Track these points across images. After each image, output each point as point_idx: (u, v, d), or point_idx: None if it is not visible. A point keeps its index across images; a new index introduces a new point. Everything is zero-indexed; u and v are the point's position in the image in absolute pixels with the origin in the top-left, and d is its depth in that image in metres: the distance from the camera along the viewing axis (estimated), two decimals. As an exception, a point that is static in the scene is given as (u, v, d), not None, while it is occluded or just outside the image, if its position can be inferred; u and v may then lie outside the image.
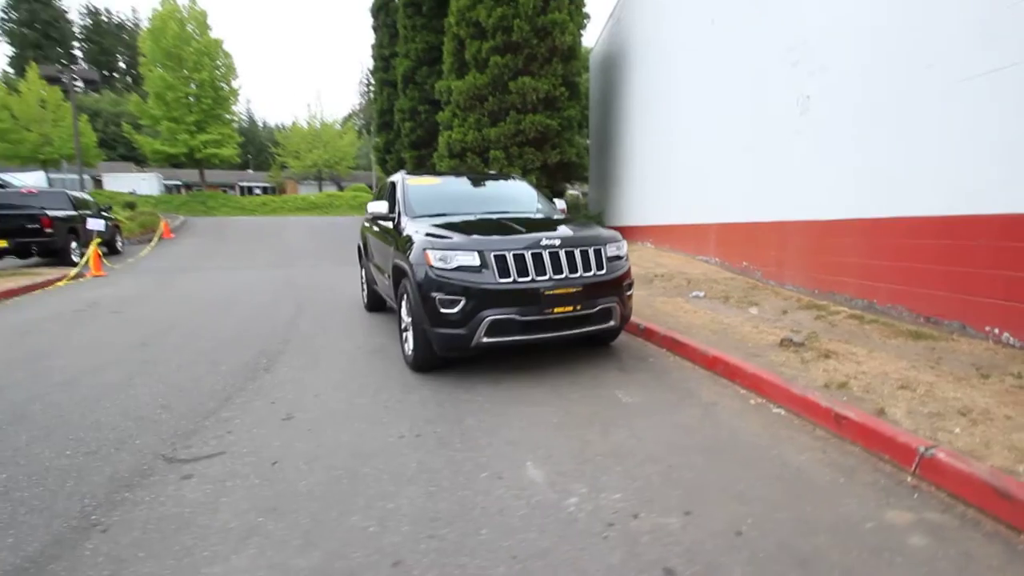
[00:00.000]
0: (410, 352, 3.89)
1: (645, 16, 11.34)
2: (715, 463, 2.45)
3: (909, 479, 2.27)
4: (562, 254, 3.64)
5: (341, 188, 48.95)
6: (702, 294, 6.03)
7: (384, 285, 5.00)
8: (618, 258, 3.94)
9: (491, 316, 3.46)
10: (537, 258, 3.56)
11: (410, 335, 3.95)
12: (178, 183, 44.92)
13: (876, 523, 1.98)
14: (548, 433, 2.80)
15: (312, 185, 49.06)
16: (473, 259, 3.48)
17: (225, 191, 38.95)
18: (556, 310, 3.56)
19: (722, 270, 7.45)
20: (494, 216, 4.74)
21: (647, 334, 4.62)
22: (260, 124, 66.11)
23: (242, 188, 48.60)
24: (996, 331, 3.62)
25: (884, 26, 4.61)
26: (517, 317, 3.49)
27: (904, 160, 4.45)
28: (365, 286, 6.44)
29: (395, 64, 18.56)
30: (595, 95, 15.20)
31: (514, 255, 3.52)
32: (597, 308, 3.70)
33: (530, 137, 12.60)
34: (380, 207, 4.69)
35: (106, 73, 55.38)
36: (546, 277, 3.56)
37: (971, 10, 3.79)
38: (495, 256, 3.50)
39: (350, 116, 50.42)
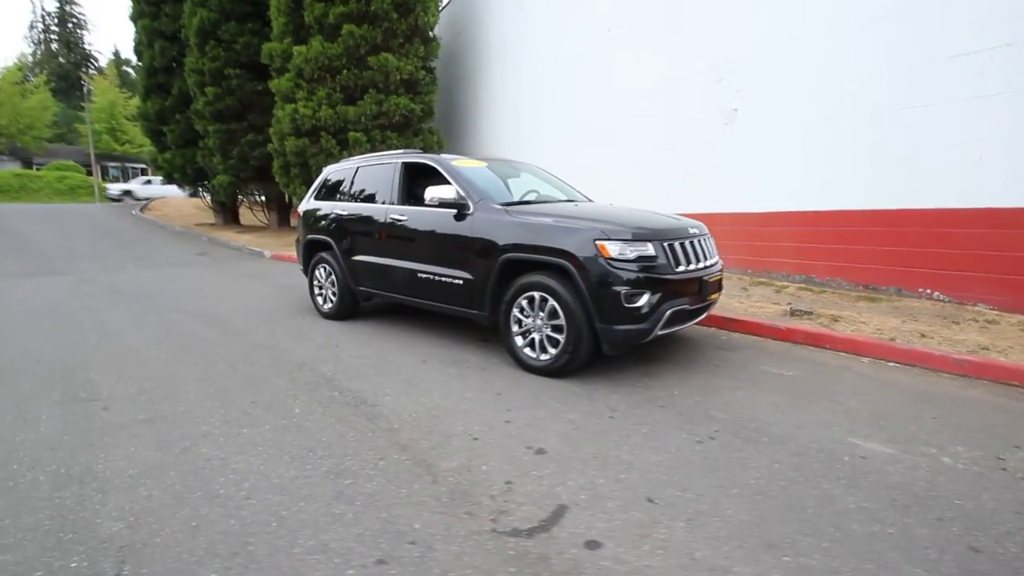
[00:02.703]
0: (554, 354, 3.44)
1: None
2: (938, 408, 2.95)
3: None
4: (704, 241, 3.74)
5: (32, 166, 36.71)
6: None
7: (419, 285, 4.22)
8: None
9: (673, 307, 3.35)
10: (693, 245, 3.58)
11: (535, 338, 3.52)
12: None
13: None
14: (801, 411, 2.92)
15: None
16: (649, 249, 3.30)
17: None
18: (711, 296, 3.66)
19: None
20: (565, 200, 4.49)
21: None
22: None
23: None
24: (929, 291, 5.12)
25: (831, 63, 5.91)
26: (688, 307, 3.46)
27: (832, 170, 5.82)
28: (328, 288, 5.25)
29: (175, 12, 14.74)
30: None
31: (680, 243, 3.47)
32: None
33: (393, 120, 11.70)
34: (446, 192, 3.93)
35: None
36: (703, 264, 3.62)
37: (904, 59, 5.18)
38: (667, 245, 3.39)
39: (20, 69, 37.04)
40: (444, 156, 4.45)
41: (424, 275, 4.22)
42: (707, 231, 3.94)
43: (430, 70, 12.51)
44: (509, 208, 3.79)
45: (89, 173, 34.00)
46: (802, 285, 6.08)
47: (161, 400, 3.13)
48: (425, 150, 12.53)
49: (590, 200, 4.81)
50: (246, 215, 17.76)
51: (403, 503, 2.07)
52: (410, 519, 1.97)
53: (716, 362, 3.85)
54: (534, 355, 3.57)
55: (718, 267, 3.78)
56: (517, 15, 11.28)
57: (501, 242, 3.64)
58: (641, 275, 3.24)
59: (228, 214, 17.43)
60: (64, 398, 3.17)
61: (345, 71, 11.41)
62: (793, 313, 5.01)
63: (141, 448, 2.51)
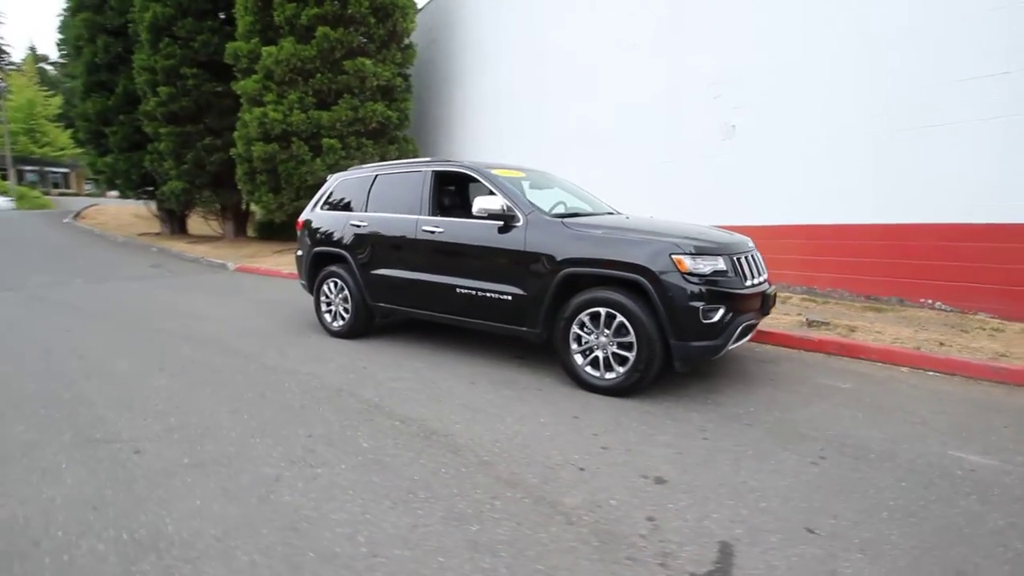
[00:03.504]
0: (622, 372, 3.29)
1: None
2: (1005, 416, 3.04)
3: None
4: (757, 255, 3.72)
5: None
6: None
7: (458, 301, 3.97)
8: None
9: (743, 322, 3.30)
10: (751, 260, 3.55)
11: (599, 356, 3.37)
12: None
13: None
14: (854, 426, 2.92)
15: None
16: (720, 263, 3.23)
17: None
18: (771, 310, 3.64)
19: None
20: (606, 213, 4.39)
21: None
22: None
23: None
24: (930, 301, 5.38)
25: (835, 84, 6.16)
26: (753, 320, 3.42)
27: (833, 186, 6.06)
28: (339, 304, 4.88)
29: (121, 6, 13.65)
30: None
31: (743, 258, 3.43)
32: (766, 306, 3.91)
33: (370, 127, 11.30)
34: (491, 203, 3.71)
35: None
36: (762, 279, 3.59)
37: (908, 83, 5.47)
38: (735, 259, 3.33)
39: None
40: (480, 164, 4.24)
41: (465, 291, 3.97)
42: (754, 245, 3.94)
43: (406, 77, 12.20)
44: (565, 221, 3.63)
45: (4, 177, 30.84)
46: (805, 296, 6.26)
47: (199, 438, 2.73)
48: (399, 158, 12.19)
49: (621, 213, 4.73)
50: (195, 224, 16.61)
51: (551, 551, 1.85)
52: (571, 570, 1.75)
53: (768, 375, 3.84)
54: (597, 374, 3.41)
55: (767, 281, 3.79)
56: (497, 24, 11.19)
57: (561, 256, 3.47)
58: (716, 290, 3.16)
59: (175, 223, 16.25)
60: (77, 440, 2.70)
61: (319, 74, 10.92)
62: (810, 324, 5.12)
63: (208, 500, 2.14)
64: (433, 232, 4.16)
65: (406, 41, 12.12)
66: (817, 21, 6.10)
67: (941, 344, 4.35)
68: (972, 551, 1.86)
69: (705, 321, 3.13)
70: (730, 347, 3.29)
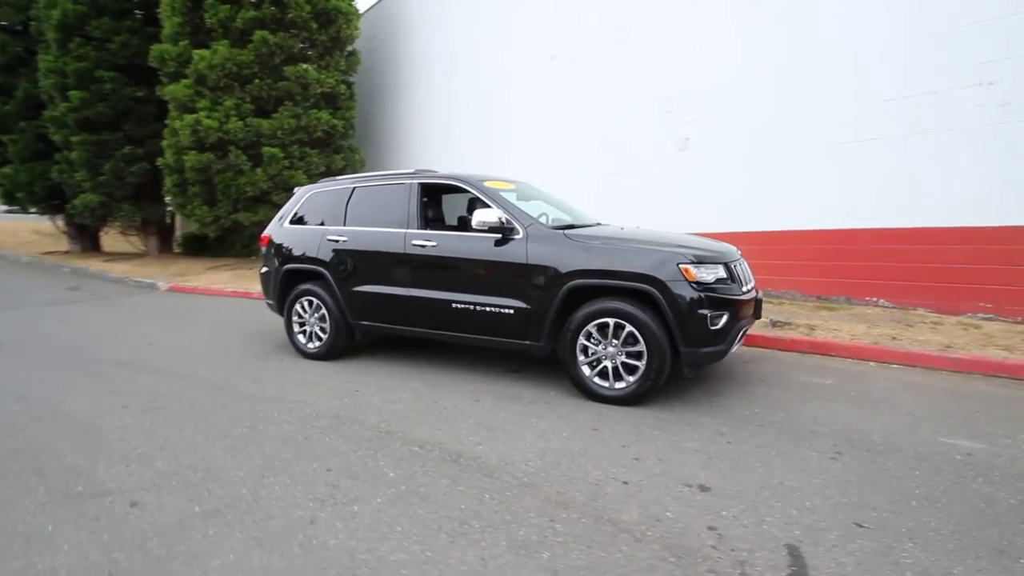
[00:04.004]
0: (632, 382, 3.32)
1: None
2: (973, 403, 3.36)
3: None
4: (745, 263, 3.90)
5: None
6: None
7: (453, 317, 3.86)
8: None
9: (742, 327, 3.44)
10: (742, 267, 3.71)
11: (607, 366, 3.40)
12: None
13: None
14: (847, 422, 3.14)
15: None
16: (721, 271, 3.36)
17: None
18: (760, 315, 3.81)
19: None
20: (596, 224, 4.43)
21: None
22: None
23: None
24: (875, 299, 5.88)
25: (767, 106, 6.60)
26: (746, 326, 3.58)
27: (782, 194, 6.50)
28: (314, 324, 4.62)
29: (21, 3, 12.26)
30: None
31: (736, 265, 3.58)
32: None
33: (314, 136, 10.85)
34: (490, 216, 3.64)
35: None
36: (752, 285, 3.77)
37: (846, 100, 5.97)
38: (732, 267, 3.47)
39: None
40: (471, 175, 4.16)
41: (461, 306, 3.87)
42: None
43: (349, 84, 11.83)
44: (567, 233, 3.64)
45: None
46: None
47: (202, 483, 2.45)
48: (344, 169, 11.77)
49: (606, 224, 4.81)
50: (110, 241, 15.16)
51: (632, 571, 1.81)
52: (660, 589, 1.73)
53: (755, 375, 4.03)
54: (607, 384, 3.42)
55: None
56: (445, 36, 11.10)
57: (566, 268, 3.47)
58: (719, 296, 3.28)
59: (87, 240, 14.75)
60: (54, 496, 2.34)
61: (257, 80, 10.35)
62: (774, 324, 5.45)
63: (244, 554, 1.92)
64: (424, 246, 4.03)
65: (349, 48, 11.77)
66: (760, 47, 6.54)
67: (894, 338, 4.76)
68: (1001, 530, 2.03)
69: (712, 328, 3.23)
70: (732, 351, 3.42)
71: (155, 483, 2.45)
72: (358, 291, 4.37)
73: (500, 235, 3.73)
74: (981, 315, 5.16)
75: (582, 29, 8.40)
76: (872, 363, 4.34)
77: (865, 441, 2.84)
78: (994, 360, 3.96)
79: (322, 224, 4.68)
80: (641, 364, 3.30)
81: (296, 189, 5.18)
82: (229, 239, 13.71)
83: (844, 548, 1.93)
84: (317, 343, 4.65)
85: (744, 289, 3.53)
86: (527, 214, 3.81)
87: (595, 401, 3.47)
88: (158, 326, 6.47)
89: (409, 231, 4.14)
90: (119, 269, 11.39)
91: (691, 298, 3.20)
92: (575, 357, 3.50)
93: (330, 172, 11.55)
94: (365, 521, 2.12)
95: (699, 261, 3.29)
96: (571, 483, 2.43)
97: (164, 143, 10.44)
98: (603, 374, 3.45)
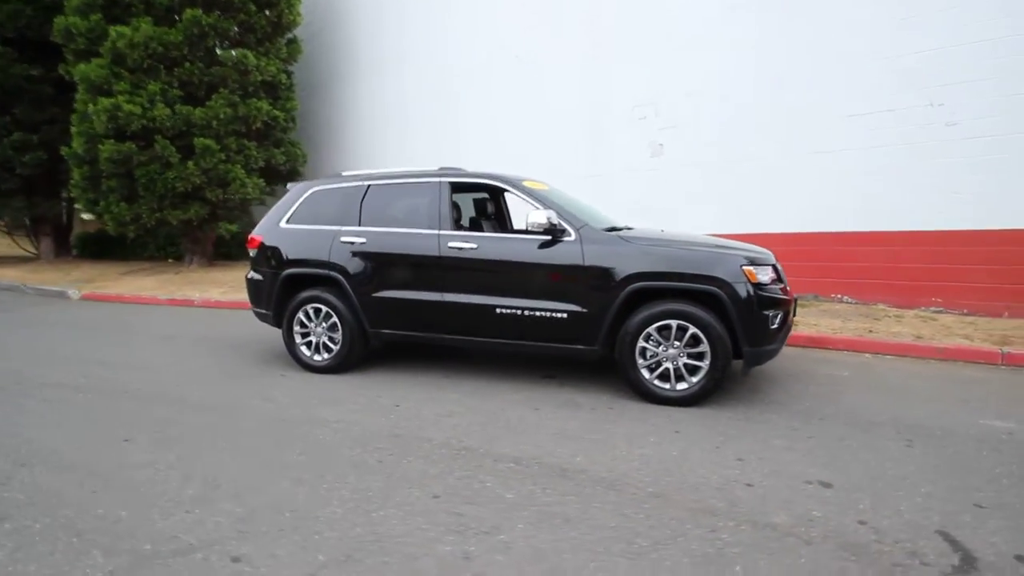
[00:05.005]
0: (696, 382, 3.34)
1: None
2: (977, 388, 3.76)
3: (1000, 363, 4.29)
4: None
5: None
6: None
7: (497, 323, 3.69)
8: None
9: (790, 325, 3.59)
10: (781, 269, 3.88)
11: (668, 368, 3.40)
12: None
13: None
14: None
15: None
16: (771, 272, 3.48)
17: None
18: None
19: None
20: (623, 225, 4.42)
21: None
22: None
23: None
24: (840, 296, 6.45)
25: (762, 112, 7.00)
26: (791, 324, 3.74)
27: (762, 198, 6.95)
28: (322, 335, 4.21)
29: None
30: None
31: (778, 267, 3.73)
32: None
33: (253, 128, 9.96)
34: (541, 217, 3.50)
35: None
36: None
37: (808, 116, 6.49)
38: (778, 267, 3.62)
39: None
40: (508, 175, 3.99)
41: (507, 311, 3.68)
42: None
43: (290, 74, 10.99)
44: (622, 235, 3.60)
45: None
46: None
47: (299, 525, 2.10)
48: (287, 166, 10.91)
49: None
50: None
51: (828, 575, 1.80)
52: (868, 591, 1.73)
53: (780, 370, 4.23)
54: (668, 386, 3.42)
55: None
56: (401, 24, 10.59)
57: (628, 271, 3.42)
58: (774, 297, 3.40)
59: (-46, 241, 12.41)
60: (124, 558, 1.88)
61: (187, 64, 9.31)
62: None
63: (416, 602, 1.66)
64: (462, 248, 3.80)
65: (290, 35, 10.94)
66: (735, 57, 6.95)
67: (870, 331, 5.24)
68: (1090, 501, 2.28)
69: (771, 327, 3.35)
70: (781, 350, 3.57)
71: (241, 530, 2.06)
72: (379, 297, 4.02)
73: (549, 237, 3.61)
74: (933, 308, 5.85)
75: (552, 31, 8.44)
76: (867, 355, 4.74)
77: (921, 428, 3.07)
78: (971, 348, 4.49)
79: (329, 224, 4.26)
80: (704, 365, 3.33)
81: (289, 186, 4.67)
82: (140, 240, 12.18)
83: (985, 528, 2.06)
84: (326, 355, 4.22)
85: (787, 289, 3.69)
86: (576, 216, 3.72)
87: (654, 403, 3.45)
88: (97, 341, 5.58)
89: (443, 232, 3.88)
90: (9, 275, 9.70)
91: (754, 299, 3.28)
92: (634, 360, 3.46)
93: (271, 167, 10.68)
94: (525, 551, 1.93)
95: (754, 263, 3.40)
96: (697, 489, 2.38)
97: (74, 130, 9.03)
98: (663, 376, 3.44)
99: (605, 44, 7.96)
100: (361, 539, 2.00)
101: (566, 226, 3.60)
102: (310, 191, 4.45)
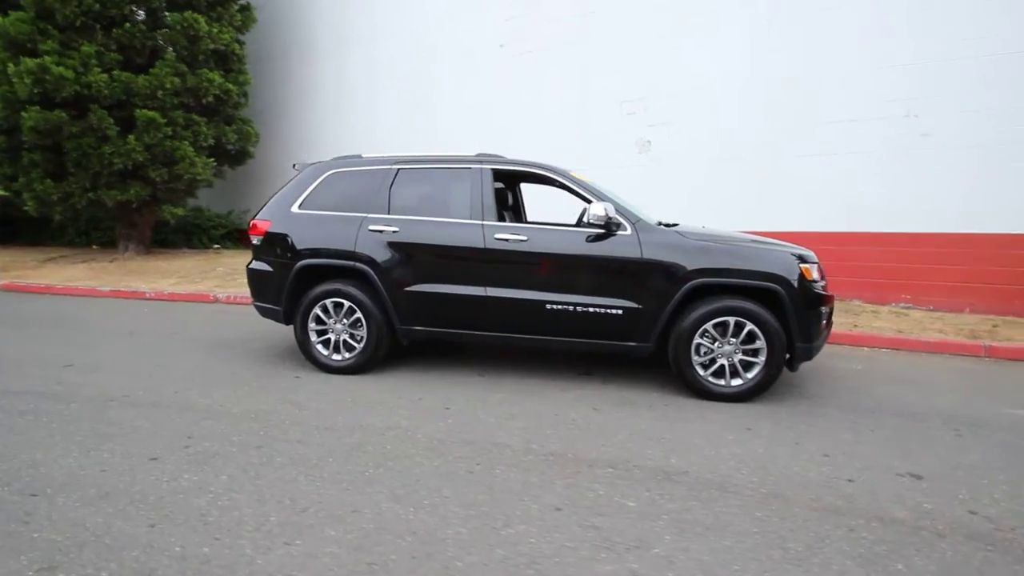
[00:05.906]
0: (751, 378, 3.38)
1: None
2: (981, 379, 4.10)
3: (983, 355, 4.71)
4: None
5: None
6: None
7: (546, 318, 3.54)
8: None
9: (831, 322, 3.72)
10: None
11: (723, 364, 3.42)
12: None
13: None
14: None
15: None
16: (818, 270, 3.58)
17: None
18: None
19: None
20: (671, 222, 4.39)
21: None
22: None
23: None
24: (817, 291, 6.84)
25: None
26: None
27: (732, 199, 7.21)
28: (342, 332, 3.86)
29: None
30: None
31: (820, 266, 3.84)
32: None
33: (203, 101, 9.05)
34: (599, 210, 3.38)
35: None
36: (823, 282, 4.08)
37: (790, 120, 6.79)
38: (820, 265, 3.73)
39: None
40: (555, 165, 3.82)
41: (558, 307, 3.54)
42: None
43: (242, 44, 10.07)
44: (677, 230, 3.56)
45: None
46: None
47: (426, 546, 1.87)
48: (237, 144, 10.04)
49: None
50: None
51: (983, 568, 1.85)
52: (1027, 583, 1.79)
53: (803, 365, 4.40)
54: (723, 383, 3.44)
55: None
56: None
57: (689, 267, 3.38)
58: (823, 294, 3.51)
59: None
60: (236, 606, 1.58)
61: (127, 24, 8.23)
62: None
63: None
64: (509, 240, 3.60)
65: (243, 1, 10.00)
66: (724, 63, 7.14)
67: (855, 326, 5.61)
68: None
69: (821, 323, 3.45)
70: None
71: (369, 563, 1.81)
72: (413, 291, 3.74)
73: (604, 231, 3.51)
74: (903, 304, 6.35)
75: (537, 18, 8.28)
76: (866, 348, 5.05)
77: (960, 418, 3.27)
78: (955, 342, 4.91)
79: (352, 211, 3.90)
80: (759, 361, 3.38)
81: (297, 165, 4.24)
82: (60, 224, 10.76)
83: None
84: (347, 354, 3.88)
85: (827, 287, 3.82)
86: (630, 210, 3.64)
87: (707, 399, 3.46)
88: (48, 341, 4.84)
89: (487, 223, 3.66)
90: None
91: (810, 296, 3.37)
92: (690, 357, 3.44)
93: (220, 145, 9.78)
94: (689, 567, 1.82)
95: (804, 260, 3.48)
96: (805, 488, 2.39)
97: (-13, 92, 7.74)
98: (716, 373, 3.45)
99: (593, 36, 7.92)
100: (512, 563, 1.81)
101: (621, 219, 3.52)
102: (328, 173, 4.04)
